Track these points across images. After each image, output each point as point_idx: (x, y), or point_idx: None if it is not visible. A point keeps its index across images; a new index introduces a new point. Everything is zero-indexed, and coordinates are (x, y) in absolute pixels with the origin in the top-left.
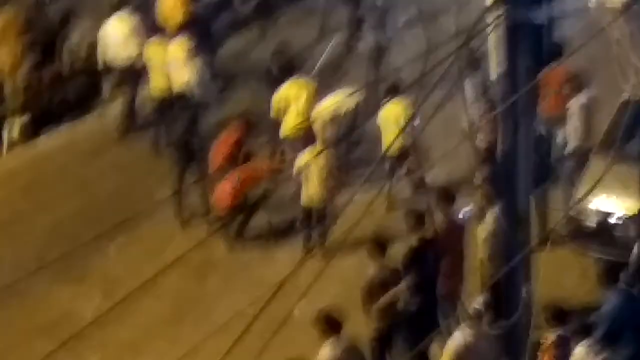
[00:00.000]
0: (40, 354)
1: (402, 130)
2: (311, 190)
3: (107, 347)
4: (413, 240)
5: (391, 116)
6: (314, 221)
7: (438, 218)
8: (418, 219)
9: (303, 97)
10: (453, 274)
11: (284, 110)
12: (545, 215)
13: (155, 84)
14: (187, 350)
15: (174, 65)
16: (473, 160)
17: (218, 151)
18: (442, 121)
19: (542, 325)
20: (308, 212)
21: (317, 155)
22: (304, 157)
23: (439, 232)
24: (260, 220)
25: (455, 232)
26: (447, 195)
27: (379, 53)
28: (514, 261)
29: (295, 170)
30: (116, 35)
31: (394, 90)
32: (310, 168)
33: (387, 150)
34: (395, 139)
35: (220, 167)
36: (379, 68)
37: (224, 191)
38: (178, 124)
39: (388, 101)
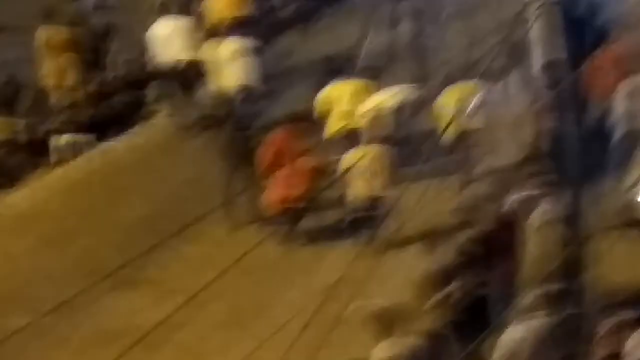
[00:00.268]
0: (103, 359)
1: (456, 119)
2: (358, 189)
3: (163, 354)
4: (467, 233)
5: (447, 105)
6: (363, 219)
7: (491, 208)
8: (470, 210)
9: (346, 97)
10: (507, 265)
11: (327, 112)
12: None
13: (212, 84)
14: (247, 353)
15: (228, 65)
16: (522, 150)
17: (265, 154)
18: (490, 112)
19: (599, 313)
20: (356, 211)
21: (364, 154)
22: (350, 157)
23: (492, 222)
24: (310, 220)
25: (509, 223)
26: (500, 185)
27: (420, 48)
28: (568, 250)
29: (341, 169)
30: (166, 37)
31: (447, 81)
32: (356, 167)
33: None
34: (449, 129)
35: (268, 170)
36: (422, 63)
37: (275, 194)
38: (229, 125)
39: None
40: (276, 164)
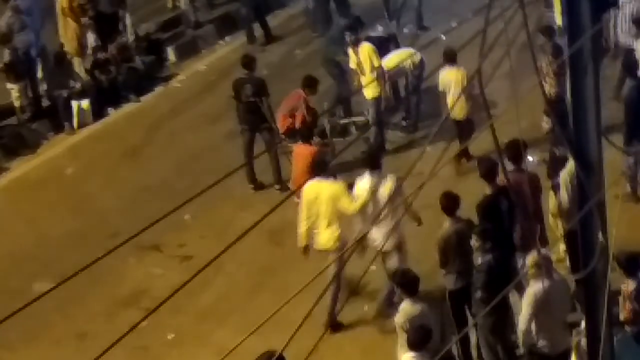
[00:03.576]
0: (124, 323)
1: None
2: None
3: (185, 318)
4: (486, 190)
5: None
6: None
7: (509, 168)
8: (490, 168)
9: (373, 57)
10: (530, 223)
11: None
12: None
13: None
14: (264, 319)
15: None
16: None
17: (283, 118)
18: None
19: (620, 273)
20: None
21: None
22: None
23: (511, 181)
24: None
25: (529, 181)
26: (516, 145)
27: None
28: (587, 207)
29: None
30: None
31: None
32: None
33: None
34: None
35: (286, 133)
36: None
37: (298, 172)
38: (249, 89)
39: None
40: (291, 123)
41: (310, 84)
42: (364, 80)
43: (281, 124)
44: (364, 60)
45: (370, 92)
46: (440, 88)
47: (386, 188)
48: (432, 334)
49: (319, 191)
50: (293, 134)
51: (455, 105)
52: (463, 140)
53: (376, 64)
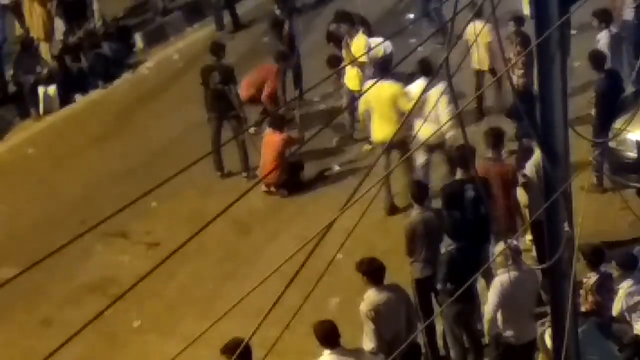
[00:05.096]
0: (90, 310)
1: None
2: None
3: (151, 305)
4: (457, 175)
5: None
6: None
7: (482, 158)
8: (465, 154)
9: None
10: (502, 213)
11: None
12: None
13: None
14: (230, 307)
15: None
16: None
17: (246, 87)
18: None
19: (583, 265)
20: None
21: None
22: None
23: (482, 171)
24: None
25: (504, 172)
26: (493, 135)
27: None
28: (553, 198)
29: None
30: None
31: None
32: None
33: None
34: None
35: (248, 102)
36: None
37: (266, 159)
38: (216, 75)
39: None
40: (254, 94)
41: (284, 57)
42: (349, 70)
43: (244, 92)
44: (355, 52)
45: (354, 83)
46: (465, 40)
47: (436, 91)
48: (337, 327)
49: (380, 91)
50: (254, 102)
51: (480, 57)
52: (481, 93)
53: (363, 58)
